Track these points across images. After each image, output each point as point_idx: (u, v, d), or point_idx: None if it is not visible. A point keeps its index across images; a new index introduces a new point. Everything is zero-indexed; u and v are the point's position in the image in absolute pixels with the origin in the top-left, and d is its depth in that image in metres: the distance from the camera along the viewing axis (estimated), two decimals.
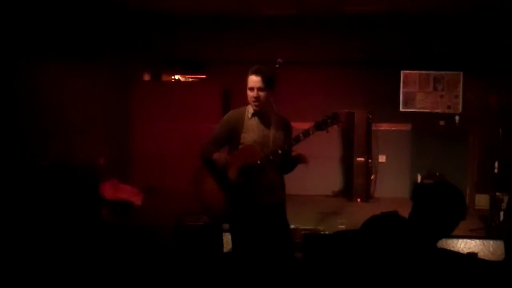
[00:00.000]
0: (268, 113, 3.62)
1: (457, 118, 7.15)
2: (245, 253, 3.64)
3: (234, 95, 7.45)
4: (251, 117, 3.61)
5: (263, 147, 3.57)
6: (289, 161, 3.66)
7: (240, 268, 3.64)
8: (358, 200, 7.15)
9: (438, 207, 2.23)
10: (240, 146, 3.60)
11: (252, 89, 3.54)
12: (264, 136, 3.59)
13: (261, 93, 3.52)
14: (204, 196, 3.69)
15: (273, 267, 3.58)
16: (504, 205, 5.33)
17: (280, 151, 3.48)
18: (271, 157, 3.48)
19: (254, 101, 3.55)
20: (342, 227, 5.37)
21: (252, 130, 3.59)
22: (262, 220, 3.60)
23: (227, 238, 4.59)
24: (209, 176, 3.65)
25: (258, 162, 3.50)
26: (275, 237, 3.64)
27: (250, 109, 3.63)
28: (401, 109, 7.46)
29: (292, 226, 4.23)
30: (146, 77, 8.00)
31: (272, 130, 3.60)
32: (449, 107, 7.36)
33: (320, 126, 3.47)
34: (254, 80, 3.53)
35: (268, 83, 3.53)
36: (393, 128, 7.55)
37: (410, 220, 2.28)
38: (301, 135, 3.45)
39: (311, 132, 3.45)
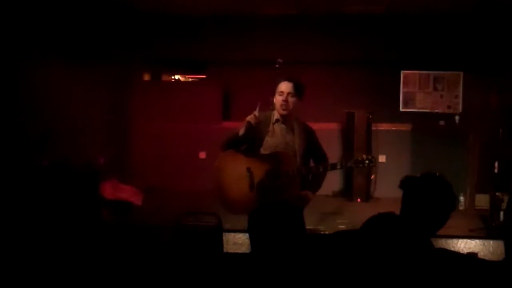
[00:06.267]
0: (292, 120, 3.64)
1: (457, 118, 7.14)
2: (261, 251, 3.65)
3: (234, 95, 7.46)
4: (275, 122, 3.63)
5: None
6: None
7: (256, 266, 3.64)
8: (358, 200, 7.15)
9: (426, 198, 2.24)
10: (275, 150, 3.62)
11: (282, 93, 3.57)
12: (287, 142, 3.61)
13: (291, 99, 3.57)
14: (225, 185, 3.67)
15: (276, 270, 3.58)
16: (504, 205, 5.32)
17: (315, 170, 3.57)
18: (303, 172, 3.54)
19: (282, 106, 3.57)
20: (342, 227, 5.38)
21: (276, 135, 3.62)
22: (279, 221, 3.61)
23: (227, 238, 4.60)
24: (233, 166, 3.64)
25: (290, 172, 3.52)
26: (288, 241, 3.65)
27: (276, 114, 3.64)
28: (401, 109, 7.46)
29: None
30: (146, 77, 8.00)
31: (295, 137, 3.63)
32: (449, 107, 7.35)
33: (358, 164, 3.63)
34: (286, 85, 3.58)
35: (298, 91, 3.59)
36: (393, 128, 7.54)
37: (402, 215, 2.29)
38: (338, 164, 3.62)
39: (349, 165, 3.66)
